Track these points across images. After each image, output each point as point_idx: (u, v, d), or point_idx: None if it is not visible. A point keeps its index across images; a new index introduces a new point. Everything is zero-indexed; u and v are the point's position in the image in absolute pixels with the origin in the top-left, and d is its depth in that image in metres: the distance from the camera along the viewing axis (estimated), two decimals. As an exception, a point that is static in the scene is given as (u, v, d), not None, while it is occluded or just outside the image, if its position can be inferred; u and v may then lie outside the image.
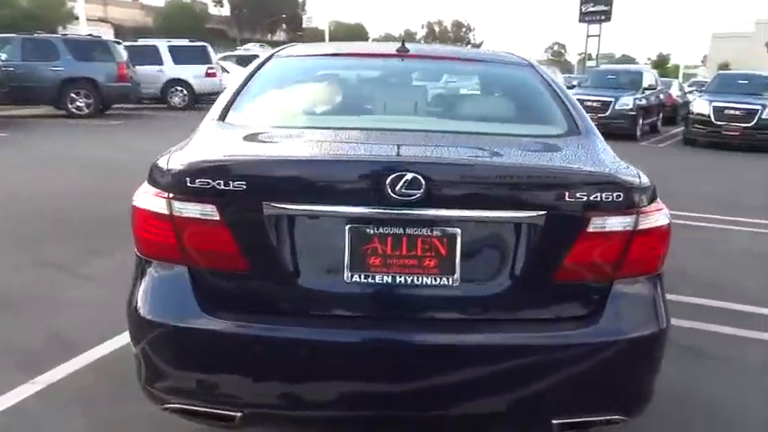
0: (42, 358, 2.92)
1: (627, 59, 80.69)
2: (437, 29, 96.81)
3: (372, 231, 1.73)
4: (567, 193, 1.71)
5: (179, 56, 17.07)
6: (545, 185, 1.75)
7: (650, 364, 1.84)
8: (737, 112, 12.28)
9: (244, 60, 22.05)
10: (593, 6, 40.87)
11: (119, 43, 15.40)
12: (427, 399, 1.76)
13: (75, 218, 5.54)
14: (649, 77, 15.59)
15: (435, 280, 1.74)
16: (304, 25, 67.36)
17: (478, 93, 2.71)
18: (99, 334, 3.15)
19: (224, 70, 18.66)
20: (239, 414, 1.79)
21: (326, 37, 36.03)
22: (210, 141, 2.03)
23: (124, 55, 14.86)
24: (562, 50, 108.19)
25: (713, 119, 12.46)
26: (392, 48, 2.83)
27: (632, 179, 1.80)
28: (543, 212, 1.71)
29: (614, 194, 1.73)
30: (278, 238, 1.73)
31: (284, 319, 1.77)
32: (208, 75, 17.16)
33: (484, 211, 1.74)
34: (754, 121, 12.16)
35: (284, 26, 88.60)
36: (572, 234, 1.74)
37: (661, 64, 58.32)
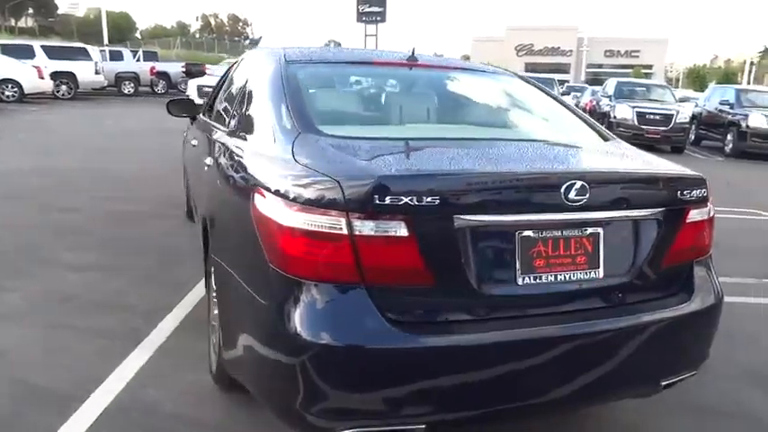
0: (30, 420, 2.43)
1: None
2: (213, 22, 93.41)
3: (537, 236, 1.87)
4: (678, 192, 2.05)
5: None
6: (665, 186, 2.06)
7: (716, 326, 2.28)
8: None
9: (11, 50, 19.00)
10: (368, 7, 43.33)
11: None
12: (589, 377, 1.95)
13: None
14: None
15: (586, 274, 1.95)
16: (64, 11, 59.70)
17: (515, 104, 2.94)
18: (79, 378, 2.70)
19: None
20: (423, 426, 1.80)
21: (104, 26, 32.41)
22: (349, 155, 1.93)
23: None
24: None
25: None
26: (400, 56, 2.93)
27: (706, 178, 2.21)
28: (662, 209, 2.03)
29: (701, 190, 2.12)
30: (462, 249, 1.78)
31: (469, 327, 1.82)
32: (-24, 68, 14.46)
33: (622, 211, 1.98)
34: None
35: (31, 11, 77.77)
36: (678, 225, 2.08)
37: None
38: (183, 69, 26.49)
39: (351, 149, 1.99)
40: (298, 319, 1.73)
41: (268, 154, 2.11)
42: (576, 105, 21.09)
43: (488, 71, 3.23)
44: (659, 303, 2.08)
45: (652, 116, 13.41)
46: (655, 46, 53.38)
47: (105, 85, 21.93)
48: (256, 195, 1.92)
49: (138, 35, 76.33)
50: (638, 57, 51.83)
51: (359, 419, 1.79)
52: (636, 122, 13.48)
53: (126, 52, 25.17)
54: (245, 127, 2.54)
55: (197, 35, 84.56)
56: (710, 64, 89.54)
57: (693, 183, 2.11)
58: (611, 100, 14.55)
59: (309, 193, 1.74)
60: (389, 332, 1.71)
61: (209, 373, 2.73)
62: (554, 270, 1.90)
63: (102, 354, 2.95)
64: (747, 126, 13.04)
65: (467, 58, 77.53)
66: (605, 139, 2.63)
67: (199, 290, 3.81)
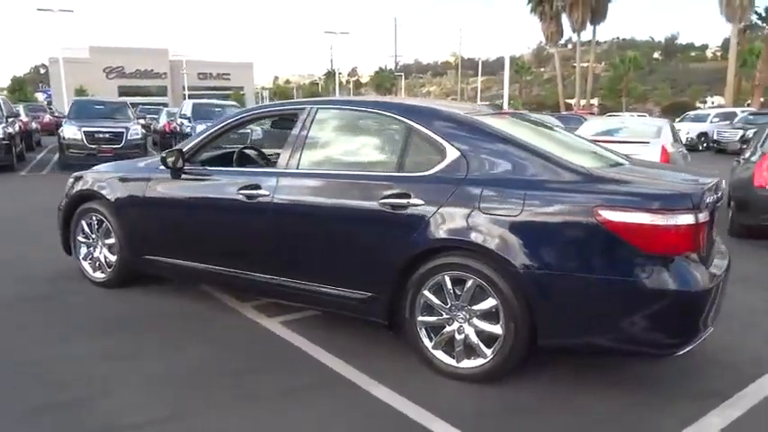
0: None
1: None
2: None
3: (709, 218, 3.29)
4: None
5: None
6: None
7: None
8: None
9: None
10: None
11: None
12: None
13: None
14: (8, 107, 14.50)
15: (715, 237, 3.51)
16: None
17: (569, 135, 4.30)
18: None
19: None
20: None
21: None
22: (647, 178, 3.20)
23: None
24: None
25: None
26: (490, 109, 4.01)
27: None
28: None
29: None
30: (707, 226, 3.06)
31: (707, 270, 3.06)
32: None
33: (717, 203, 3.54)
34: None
35: None
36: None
37: (21, 87, 55.00)
38: None
39: (631, 174, 3.22)
40: (672, 279, 2.82)
41: (586, 184, 2.99)
42: (155, 128, 19.99)
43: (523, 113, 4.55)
44: (723, 255, 3.65)
45: None
46: (243, 69, 57.81)
47: None
48: (608, 212, 2.84)
49: None
50: (229, 79, 55.22)
51: (696, 336, 2.96)
52: None
53: None
54: (508, 172, 3.19)
55: None
56: (274, 83, 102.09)
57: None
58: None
59: (677, 203, 2.84)
60: (711, 277, 2.99)
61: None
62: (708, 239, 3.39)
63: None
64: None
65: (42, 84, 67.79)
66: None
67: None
